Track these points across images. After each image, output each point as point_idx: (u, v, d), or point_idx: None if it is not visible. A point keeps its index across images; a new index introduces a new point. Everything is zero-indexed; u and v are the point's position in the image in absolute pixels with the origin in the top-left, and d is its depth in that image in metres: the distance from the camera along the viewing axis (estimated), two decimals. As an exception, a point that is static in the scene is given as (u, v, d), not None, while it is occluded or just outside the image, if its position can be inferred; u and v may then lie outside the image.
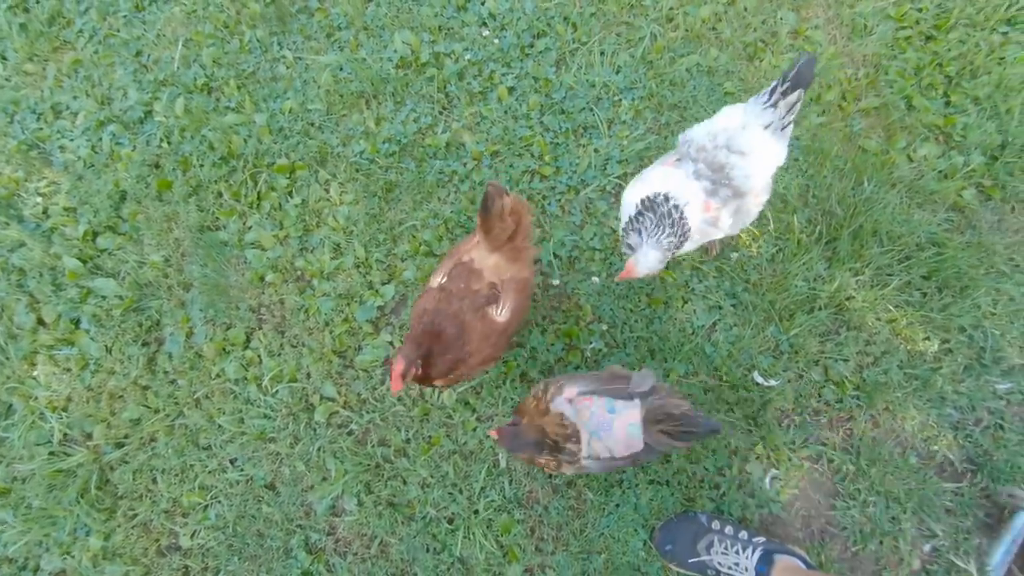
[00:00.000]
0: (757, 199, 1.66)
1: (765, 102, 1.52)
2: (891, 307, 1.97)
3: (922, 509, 1.85)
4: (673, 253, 1.58)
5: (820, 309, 1.99)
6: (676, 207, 1.55)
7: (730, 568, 1.69)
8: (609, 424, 1.48)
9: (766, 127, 1.53)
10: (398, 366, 1.42)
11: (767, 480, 1.89)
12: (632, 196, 1.63)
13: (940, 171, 2.12)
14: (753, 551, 1.69)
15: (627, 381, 1.55)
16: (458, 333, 1.54)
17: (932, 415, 1.91)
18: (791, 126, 1.57)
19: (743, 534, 1.75)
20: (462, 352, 1.56)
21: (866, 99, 2.21)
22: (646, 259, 1.54)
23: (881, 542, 1.84)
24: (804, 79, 1.47)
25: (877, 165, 2.10)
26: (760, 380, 1.93)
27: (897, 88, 2.19)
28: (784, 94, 1.48)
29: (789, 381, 1.94)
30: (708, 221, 1.61)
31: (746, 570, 1.67)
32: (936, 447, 1.90)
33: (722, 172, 1.56)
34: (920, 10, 2.28)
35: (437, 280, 1.62)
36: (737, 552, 1.70)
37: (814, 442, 1.92)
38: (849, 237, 2.01)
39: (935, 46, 2.24)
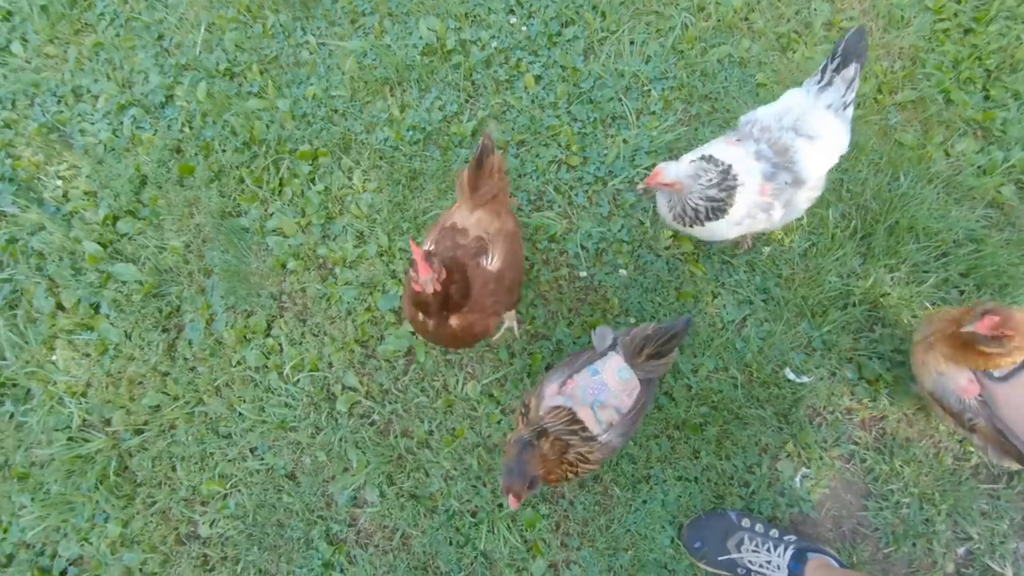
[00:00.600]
0: (811, 192, 1.62)
1: (819, 81, 1.48)
2: (928, 304, 1.93)
3: (957, 511, 1.81)
4: (703, 208, 1.56)
5: (854, 306, 1.94)
6: (733, 175, 1.51)
7: (762, 566, 1.66)
8: (601, 384, 1.49)
9: (828, 107, 1.49)
10: (418, 253, 1.32)
11: (797, 479, 1.86)
12: (689, 156, 1.59)
13: (979, 167, 2.07)
14: (786, 548, 1.66)
15: (590, 351, 1.59)
16: (462, 274, 1.49)
17: (968, 415, 1.87)
18: (852, 106, 1.53)
19: (774, 532, 1.72)
20: (469, 292, 1.52)
21: (902, 92, 2.16)
22: (678, 169, 1.51)
23: (914, 544, 1.80)
24: (855, 51, 1.44)
25: (914, 160, 2.06)
26: (792, 377, 1.89)
27: (935, 81, 2.14)
28: (837, 70, 1.45)
29: (821, 379, 1.90)
30: (760, 206, 1.57)
31: (778, 568, 1.64)
32: (972, 448, 1.86)
33: (786, 155, 1.53)
34: (959, 2, 2.23)
35: (426, 247, 1.61)
36: (769, 550, 1.67)
37: (846, 441, 1.88)
38: (885, 232, 1.97)
39: (974, 39, 2.19)
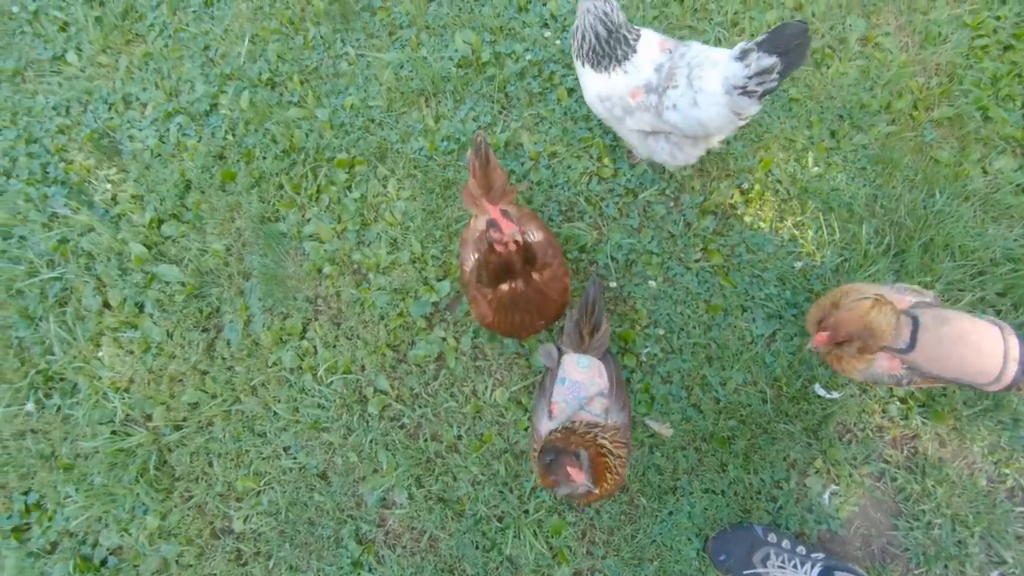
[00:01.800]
0: (672, 140, 1.76)
1: (736, 54, 1.51)
2: (963, 323, 1.90)
3: (991, 534, 1.78)
4: (590, 36, 1.66)
5: (886, 323, 1.93)
6: (634, 37, 1.66)
7: None
8: (574, 384, 1.57)
9: (725, 79, 1.53)
10: (495, 211, 1.41)
11: (826, 496, 1.85)
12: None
13: (1017, 185, 2.05)
14: (812, 566, 1.65)
15: (548, 372, 1.66)
16: (523, 244, 1.52)
17: (1004, 437, 1.84)
18: (756, 100, 1.54)
19: (801, 549, 1.71)
20: (535, 255, 1.56)
21: (939, 109, 2.14)
22: None
23: (946, 566, 1.77)
24: (778, 46, 1.41)
25: (950, 177, 2.04)
26: (822, 393, 1.89)
27: (973, 98, 2.12)
28: (758, 56, 1.45)
29: (852, 395, 1.89)
30: (626, 104, 1.73)
31: None
32: (1007, 470, 1.83)
33: (669, 80, 1.64)
34: (998, 18, 2.21)
35: (470, 263, 1.68)
36: (795, 567, 1.66)
37: (876, 459, 1.87)
38: (919, 250, 1.96)
39: (1014, 56, 2.16)
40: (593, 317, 1.60)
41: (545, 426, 1.57)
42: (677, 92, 1.64)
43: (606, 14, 1.63)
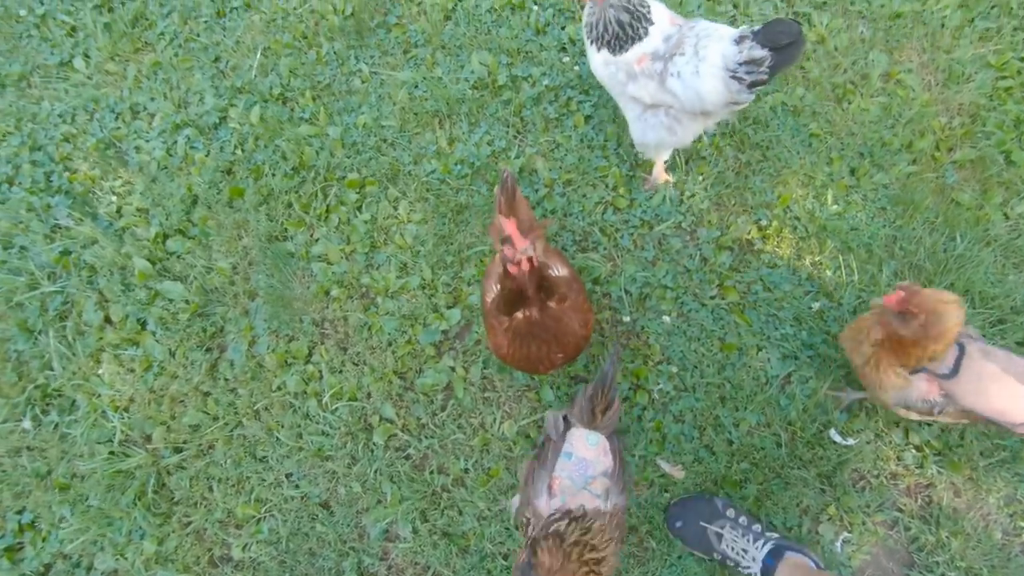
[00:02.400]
0: (687, 113, 1.75)
1: (735, 37, 1.53)
2: (981, 372, 1.88)
3: (1005, 589, 1.76)
4: (613, 28, 1.67)
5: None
6: (647, 16, 1.67)
7: (737, 553, 1.65)
8: (581, 461, 1.48)
9: (722, 56, 1.56)
10: (511, 224, 1.35)
11: (838, 543, 1.82)
12: None
13: (1038, 231, 2.02)
14: (764, 543, 1.65)
15: (550, 442, 1.55)
16: (543, 275, 1.51)
17: (1020, 489, 1.82)
18: (746, 88, 1.57)
19: (756, 527, 1.71)
20: (555, 286, 1.54)
21: (961, 150, 2.12)
22: None
23: (959, 620, 1.75)
24: (770, 40, 1.46)
25: (971, 220, 2.02)
26: (838, 439, 1.86)
27: (995, 141, 2.10)
28: (751, 45, 1.49)
29: (868, 442, 1.86)
30: (633, 70, 1.73)
31: (754, 560, 1.63)
32: (1023, 523, 1.80)
33: (677, 48, 1.65)
34: (1023, 59, 2.18)
35: (491, 294, 1.63)
36: (748, 541, 1.66)
37: (890, 507, 1.84)
38: (939, 295, 1.92)
39: (1038, 98, 2.14)
40: (608, 394, 1.51)
41: (545, 503, 1.46)
42: (683, 60, 1.65)
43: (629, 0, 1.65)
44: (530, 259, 1.39)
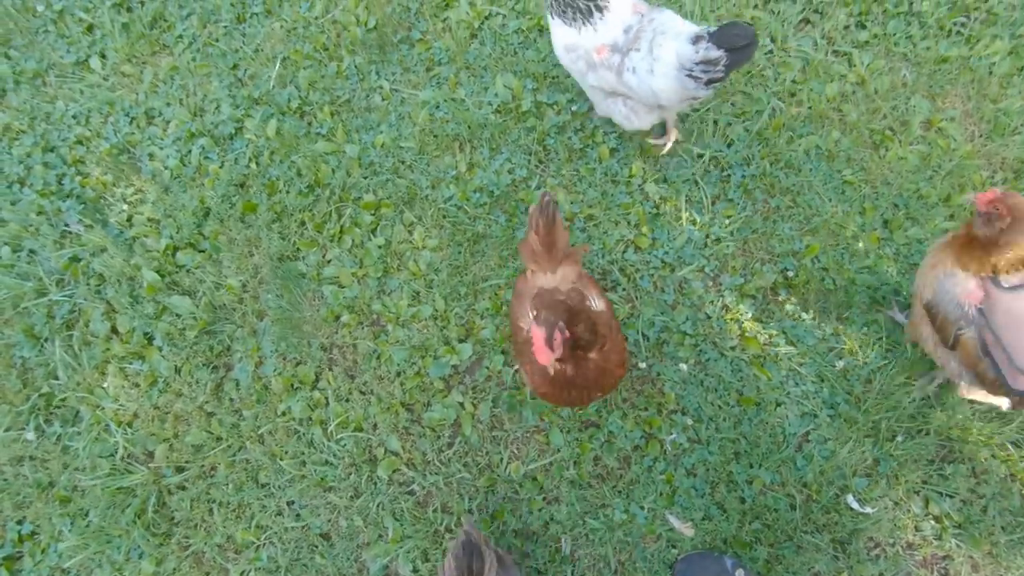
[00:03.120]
0: (641, 101, 1.79)
1: (692, 36, 1.56)
2: (1009, 445, 1.81)
3: (1018, 671, 1.71)
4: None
5: (926, 434, 1.84)
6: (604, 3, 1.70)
7: None
8: None
9: (676, 54, 1.59)
10: (538, 335, 1.31)
11: (848, 612, 1.77)
12: None
13: (1078, 298, 1.93)
14: None
15: None
16: (584, 315, 1.49)
17: (1041, 569, 1.76)
18: (703, 86, 1.61)
19: None
20: (597, 329, 1.49)
21: (1001, 207, 2.03)
22: None
23: None
24: (725, 42, 1.50)
25: (1007, 283, 1.93)
26: (855, 506, 1.80)
27: (1038, 199, 2.01)
28: (707, 46, 1.52)
29: (885, 509, 1.81)
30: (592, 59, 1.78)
31: None
32: None
33: (633, 43, 1.68)
34: (1073, 114, 2.09)
35: (526, 320, 1.59)
36: None
37: (904, 578, 1.79)
38: (970, 361, 1.85)
39: (1086, 157, 2.05)
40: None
41: None
42: (638, 56, 1.69)
43: None
44: (562, 334, 1.34)
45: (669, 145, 2.13)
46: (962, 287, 1.50)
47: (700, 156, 2.16)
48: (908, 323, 1.81)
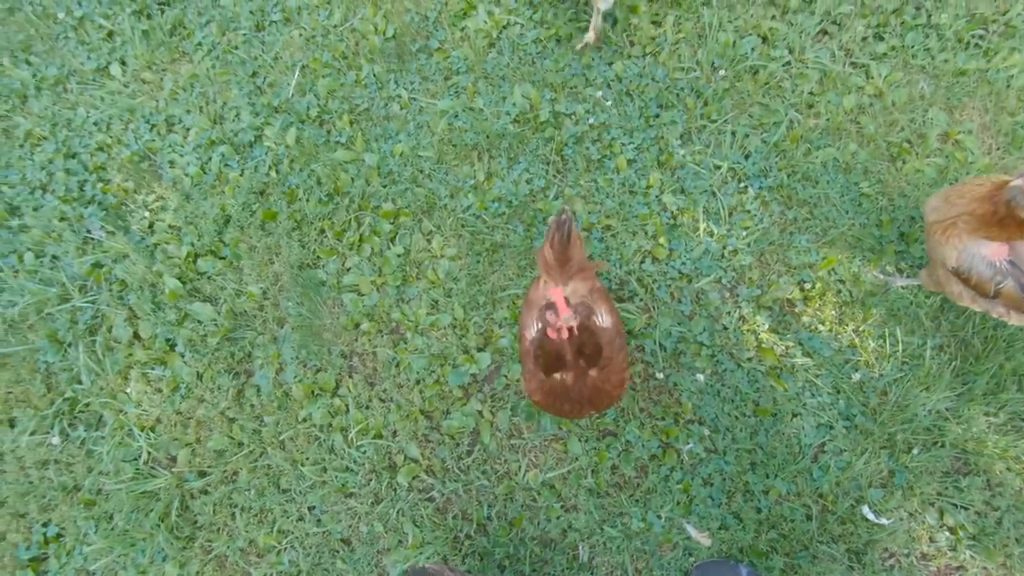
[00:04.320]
0: None
1: None
2: (1024, 458, 1.83)
3: None
4: None
5: (942, 446, 1.86)
6: None
7: None
8: None
9: None
10: (558, 292, 1.36)
11: (863, 621, 1.79)
12: None
13: (1094, 312, 1.95)
14: None
15: None
16: (587, 331, 1.49)
17: (1055, 581, 1.78)
18: None
19: None
20: (600, 346, 1.51)
21: (1018, 220, 2.04)
22: None
23: None
24: None
25: (1024, 297, 1.95)
26: (871, 517, 1.82)
27: (1055, 213, 2.01)
28: None
29: (901, 519, 1.83)
30: None
31: None
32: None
33: None
34: (1091, 128, 2.09)
35: (532, 331, 1.61)
36: None
37: (918, 588, 1.81)
38: (987, 374, 1.87)
39: (1103, 170, 2.05)
40: None
41: None
42: None
43: None
44: (571, 328, 1.37)
45: (585, 40, 2.20)
46: (989, 248, 1.57)
47: (718, 167, 2.17)
48: (924, 279, 1.86)
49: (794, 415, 1.94)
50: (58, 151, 2.51)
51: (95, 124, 2.53)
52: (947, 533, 1.82)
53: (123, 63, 2.60)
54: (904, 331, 1.95)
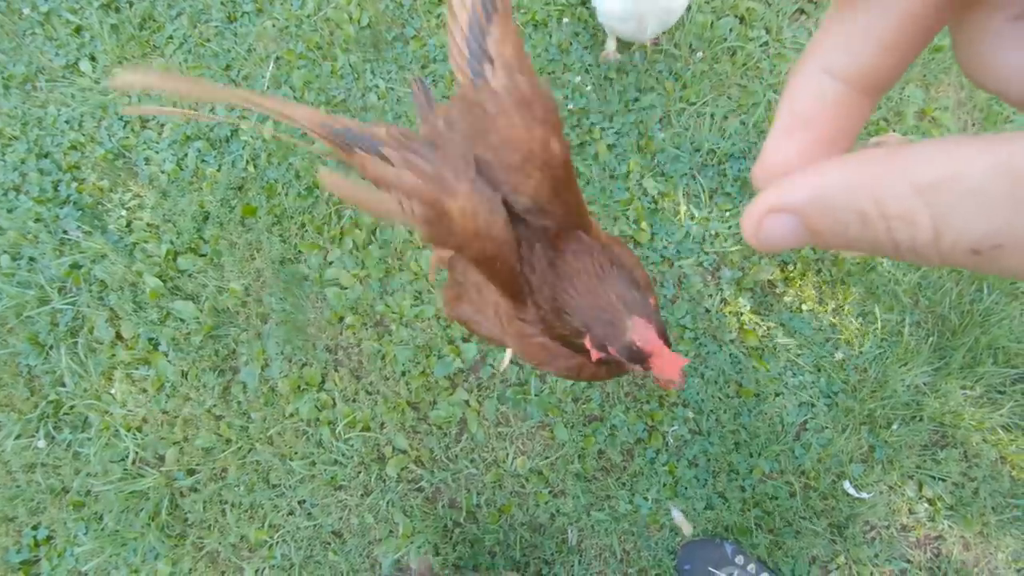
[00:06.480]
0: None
1: None
2: (1000, 429, 1.87)
3: (1007, 643, 1.79)
4: None
5: (920, 420, 1.90)
6: None
7: None
8: None
9: None
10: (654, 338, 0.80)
11: (845, 592, 1.84)
12: None
13: (1067, 284, 1.98)
14: None
15: None
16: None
17: (1029, 547, 1.83)
18: None
19: (765, 575, 1.73)
20: None
21: (994, 196, 2.06)
22: None
23: (960, 672, 1.78)
24: None
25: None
26: (852, 491, 1.86)
27: (1030, 187, 2.04)
28: None
29: (881, 493, 1.87)
30: None
31: None
32: (1029, 580, 1.82)
33: None
34: (1065, 101, 2.11)
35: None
36: None
37: (899, 558, 1.85)
38: (963, 348, 1.90)
39: (1077, 144, 2.07)
40: None
41: None
42: None
43: None
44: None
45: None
46: None
47: (697, 150, 2.17)
48: None
49: (776, 395, 1.96)
50: (30, 151, 2.46)
51: (67, 122, 2.48)
52: (926, 504, 1.86)
53: (93, 59, 2.55)
54: (883, 308, 1.98)
